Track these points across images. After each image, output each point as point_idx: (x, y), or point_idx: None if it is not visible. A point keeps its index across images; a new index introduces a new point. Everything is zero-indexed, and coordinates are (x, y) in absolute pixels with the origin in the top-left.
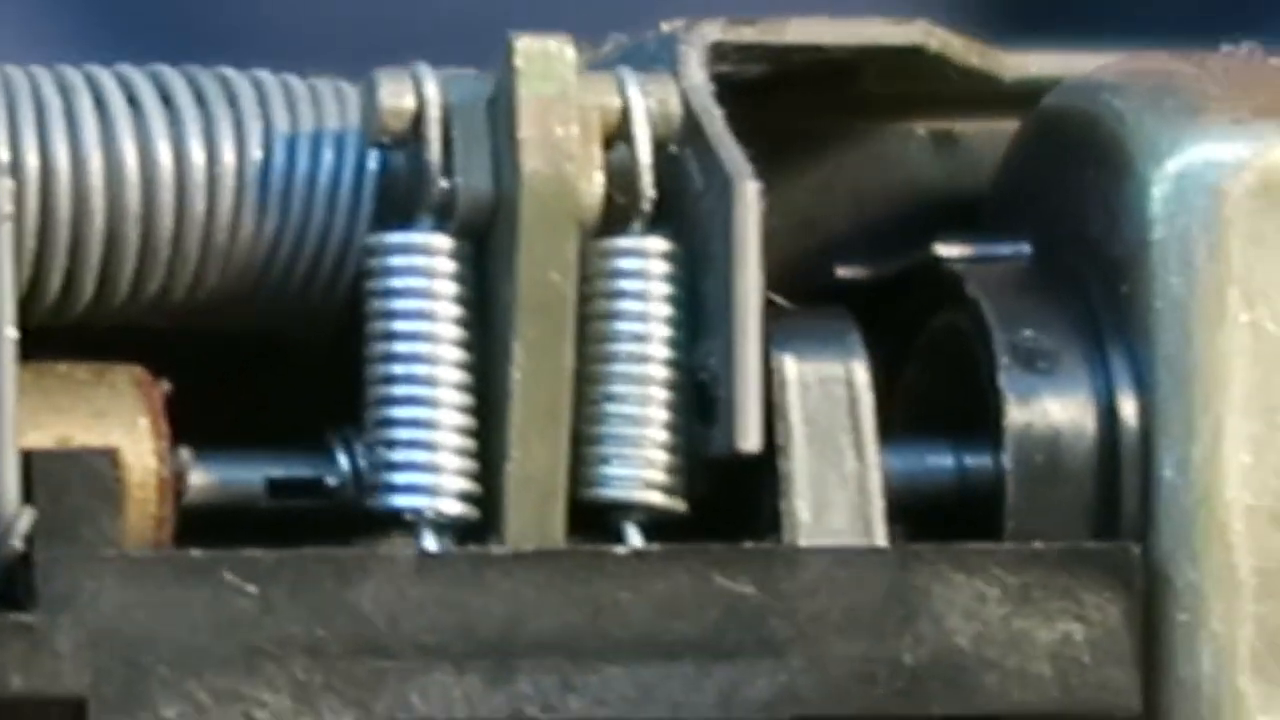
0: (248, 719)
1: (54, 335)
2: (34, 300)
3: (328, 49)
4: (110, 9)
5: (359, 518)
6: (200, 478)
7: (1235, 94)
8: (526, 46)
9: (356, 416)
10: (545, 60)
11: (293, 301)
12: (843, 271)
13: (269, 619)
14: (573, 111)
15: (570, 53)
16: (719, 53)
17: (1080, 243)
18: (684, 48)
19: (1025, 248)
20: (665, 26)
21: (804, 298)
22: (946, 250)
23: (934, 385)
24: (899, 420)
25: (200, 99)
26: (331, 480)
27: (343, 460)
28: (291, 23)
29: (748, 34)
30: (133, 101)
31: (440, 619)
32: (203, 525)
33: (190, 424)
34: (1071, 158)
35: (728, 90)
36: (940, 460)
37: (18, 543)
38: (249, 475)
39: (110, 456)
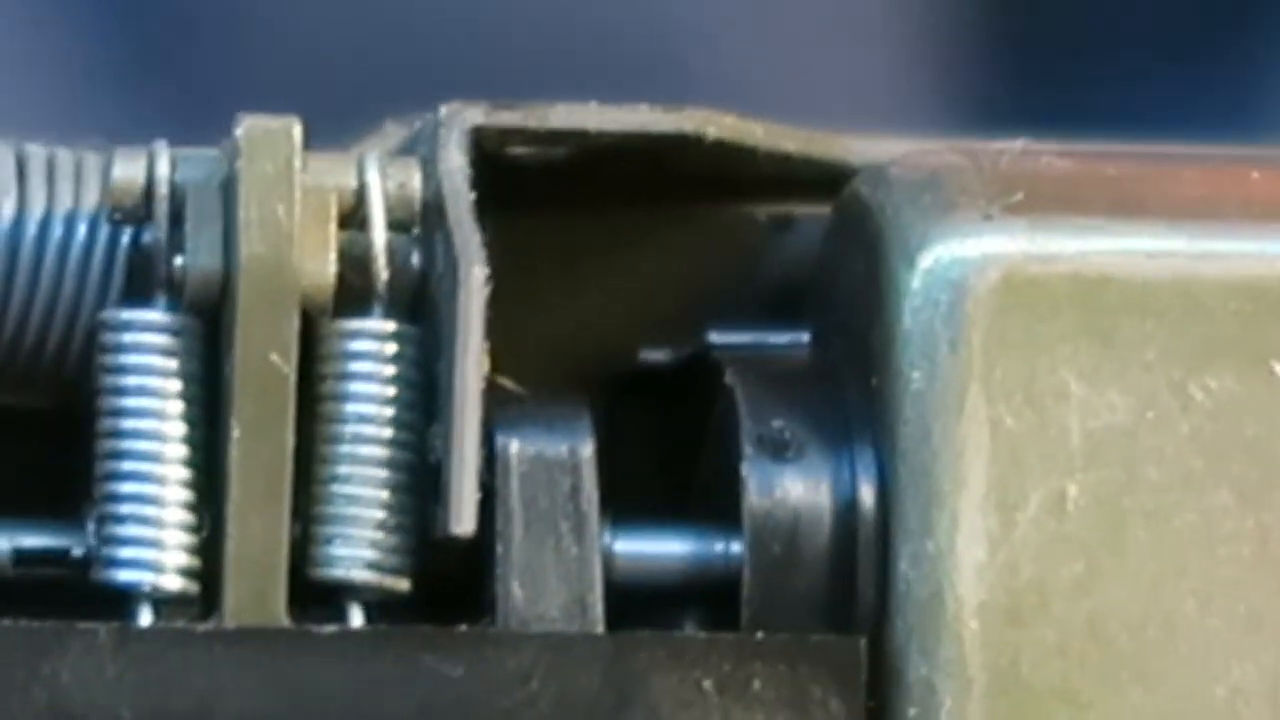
0: None
1: None
2: None
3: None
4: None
5: (101, 594)
6: None
7: (994, 190)
8: (250, 126)
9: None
10: (269, 140)
11: (47, 375)
12: (645, 354)
13: None
14: (296, 193)
15: (297, 132)
16: (482, 136)
17: (847, 334)
18: (444, 131)
19: (804, 336)
20: (444, 109)
21: (616, 386)
22: (720, 338)
23: (716, 473)
24: (696, 506)
25: None
26: (78, 551)
27: (92, 531)
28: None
29: (509, 118)
30: None
31: (139, 696)
32: None
33: None
34: (850, 247)
35: (542, 172)
36: (708, 547)
37: None
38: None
39: None
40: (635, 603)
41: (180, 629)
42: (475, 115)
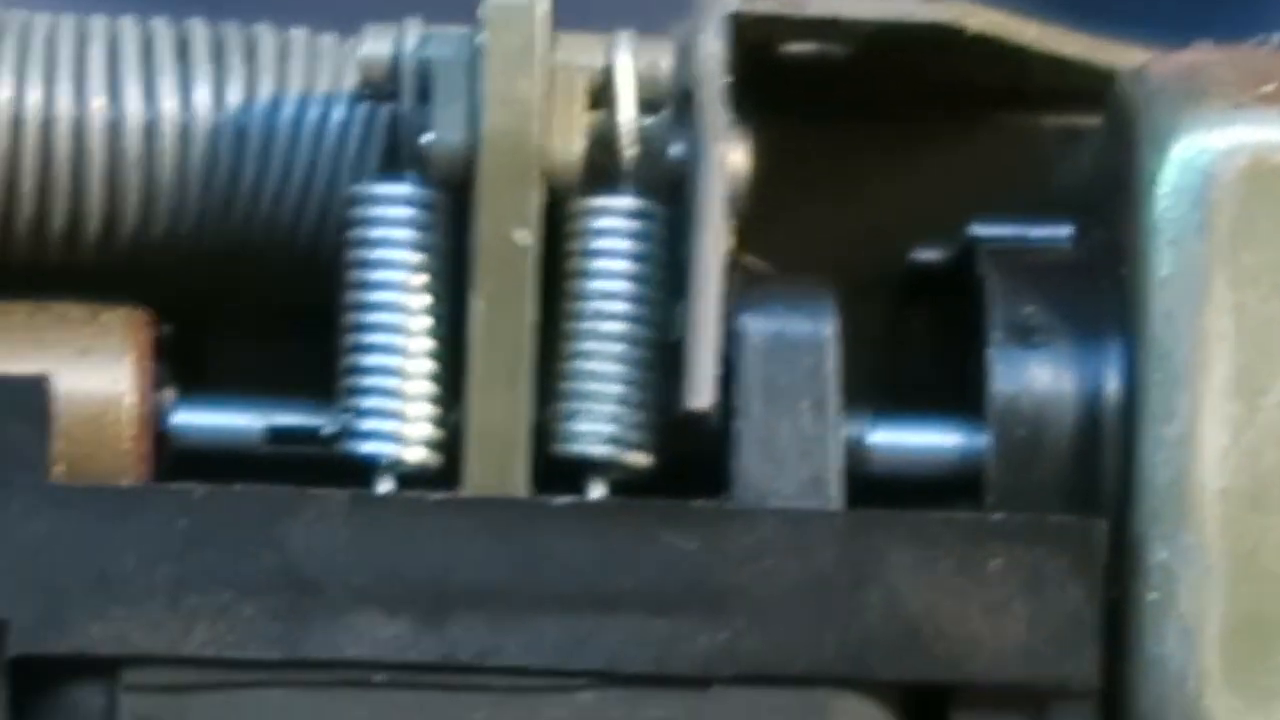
0: (172, 649)
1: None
2: (40, 238)
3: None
4: None
5: (350, 469)
6: (200, 421)
7: (1247, 81)
8: (499, 5)
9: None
10: (515, 17)
11: (303, 252)
12: (914, 254)
13: (195, 551)
14: (539, 69)
15: (542, 10)
16: (739, 23)
17: (1103, 227)
18: (702, 16)
19: (1063, 230)
20: None
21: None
22: (982, 231)
23: (974, 364)
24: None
25: (218, 51)
26: (329, 429)
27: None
28: None
29: (764, 5)
30: (148, 52)
31: (371, 561)
32: (203, 467)
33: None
34: (1113, 144)
35: (819, 75)
36: (942, 437)
37: None
38: (250, 422)
39: (41, 384)
40: (892, 492)
41: (415, 497)
42: (732, 1)
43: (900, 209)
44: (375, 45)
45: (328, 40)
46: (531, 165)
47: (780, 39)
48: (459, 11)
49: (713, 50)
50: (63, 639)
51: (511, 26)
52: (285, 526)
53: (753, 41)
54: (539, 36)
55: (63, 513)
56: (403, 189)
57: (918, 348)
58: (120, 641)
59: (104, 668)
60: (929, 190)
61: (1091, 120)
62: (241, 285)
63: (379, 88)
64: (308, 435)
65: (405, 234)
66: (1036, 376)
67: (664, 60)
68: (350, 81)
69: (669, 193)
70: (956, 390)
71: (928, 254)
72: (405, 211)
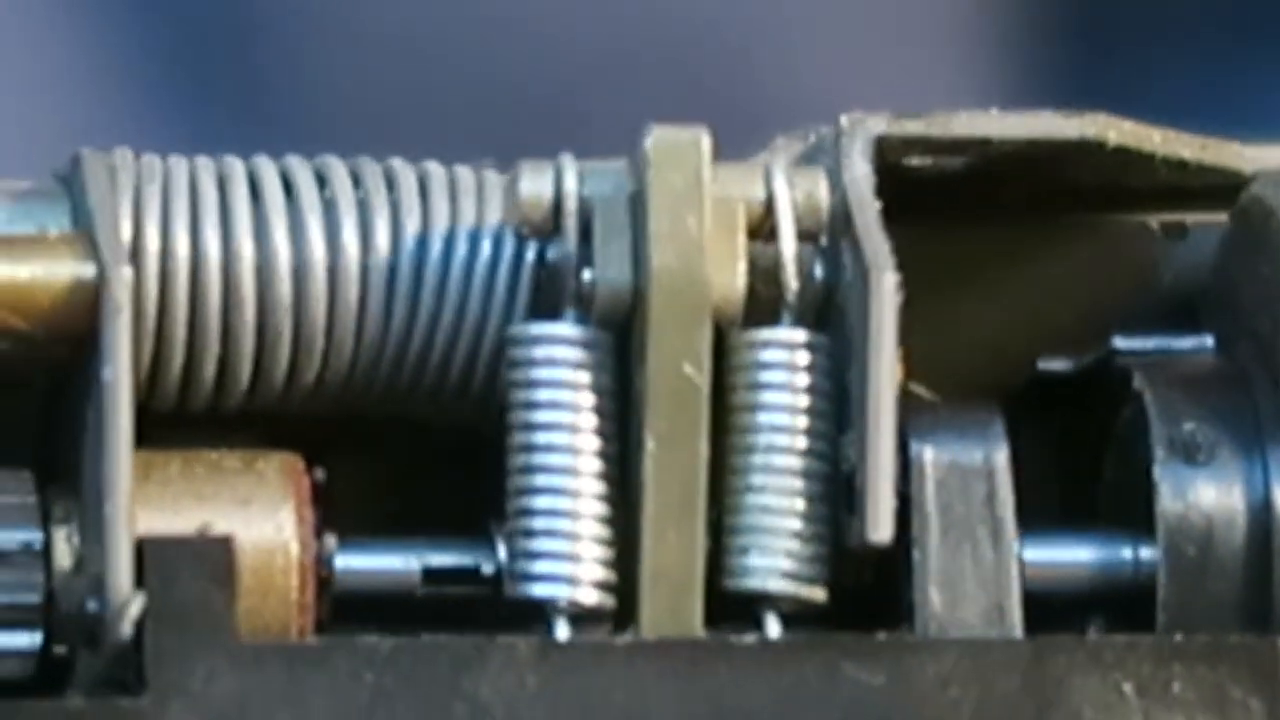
0: None
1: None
2: (190, 388)
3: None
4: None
5: (512, 609)
6: (354, 564)
7: None
8: (659, 137)
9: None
10: (678, 152)
11: (452, 394)
12: (1043, 365)
13: (383, 708)
14: (706, 204)
15: (705, 144)
16: (886, 145)
17: (1253, 338)
18: (846, 140)
19: (1207, 340)
20: (845, 119)
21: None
22: (1124, 344)
23: (1124, 478)
24: (1102, 513)
25: (357, 187)
26: (487, 569)
27: (501, 549)
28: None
29: (912, 127)
30: (289, 192)
31: (560, 709)
32: (359, 613)
33: (352, 511)
34: (1254, 251)
35: (937, 181)
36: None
37: (127, 628)
38: (406, 563)
39: (224, 543)
40: (1041, 611)
41: (601, 642)
42: (879, 124)
43: (1013, 317)
44: (535, 183)
45: (465, 174)
46: (701, 302)
47: (913, 155)
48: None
49: (862, 174)
50: None
51: (677, 163)
52: (474, 676)
53: (884, 160)
54: (704, 172)
55: (251, 673)
56: (569, 329)
57: (1033, 461)
58: None
59: None
60: (1040, 296)
61: (1200, 217)
62: (383, 424)
63: (538, 226)
64: (465, 576)
65: (571, 374)
66: (1203, 493)
67: (819, 188)
68: (491, 217)
69: (825, 322)
70: (1071, 506)
71: (1055, 365)
72: (571, 352)
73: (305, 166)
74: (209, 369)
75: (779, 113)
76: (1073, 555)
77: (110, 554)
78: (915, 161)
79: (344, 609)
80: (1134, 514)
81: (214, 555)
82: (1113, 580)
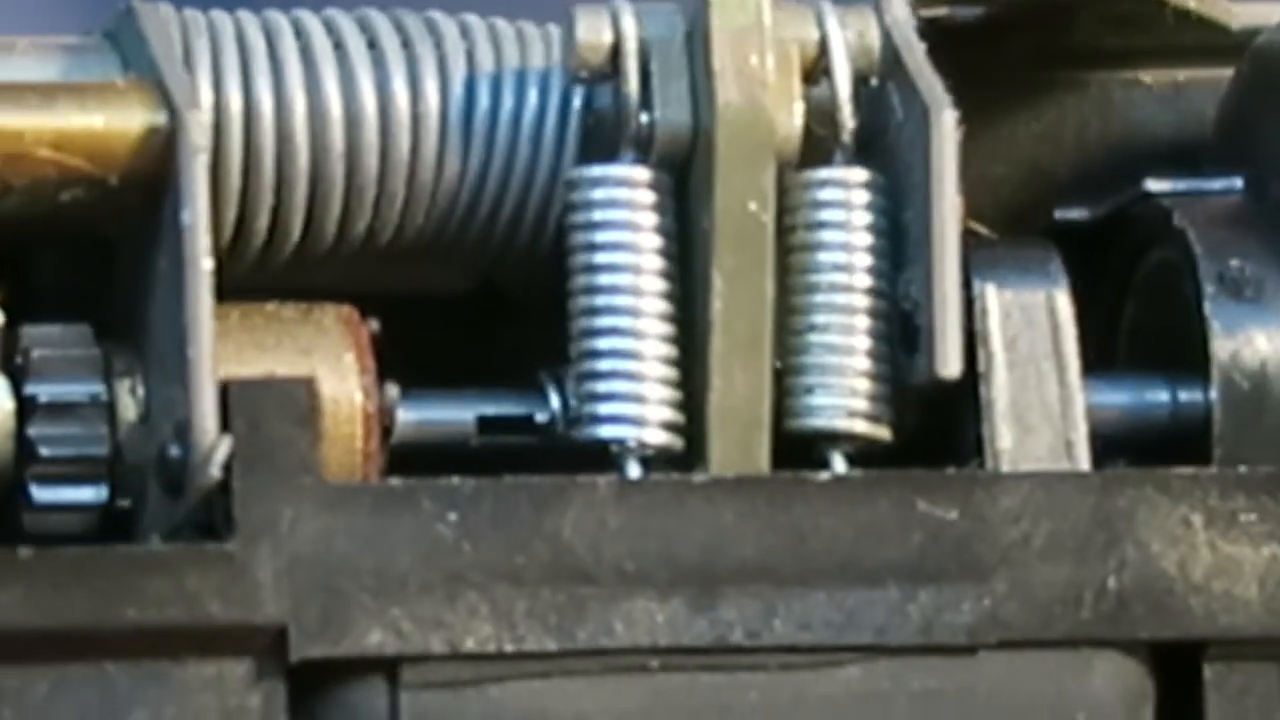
0: (450, 646)
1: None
2: (242, 240)
3: None
4: None
5: (566, 456)
6: (410, 416)
7: None
8: None
9: (567, 356)
10: None
11: (500, 244)
12: (1060, 214)
13: (468, 546)
14: (768, 43)
15: None
16: None
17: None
18: None
19: (1237, 182)
20: None
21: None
22: (1157, 185)
23: (1151, 321)
24: (1122, 356)
25: (404, 41)
26: (541, 417)
27: (553, 397)
28: None
29: None
30: (338, 44)
31: (642, 546)
32: (412, 464)
33: (402, 365)
34: (1274, 96)
35: (946, 34)
36: (1155, 394)
37: (216, 471)
38: (459, 414)
39: (307, 385)
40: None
41: (679, 480)
42: None
43: (1017, 170)
44: (592, 26)
45: (503, 24)
46: (766, 140)
47: (941, 3)
48: None
49: (903, 16)
50: (343, 641)
51: (740, 3)
52: (555, 515)
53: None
54: (765, 12)
55: (338, 514)
56: (631, 170)
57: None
58: (399, 640)
59: (384, 667)
60: (1042, 150)
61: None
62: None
63: (597, 70)
64: (520, 424)
65: (633, 215)
66: (1254, 328)
67: (871, 29)
68: (534, 65)
69: (881, 162)
70: (1086, 353)
71: (1074, 213)
72: (632, 193)
73: (350, 19)
74: (263, 219)
75: None
76: (1108, 398)
77: (195, 398)
78: (931, 12)
79: (399, 460)
80: (1163, 357)
81: (298, 398)
82: (1149, 422)
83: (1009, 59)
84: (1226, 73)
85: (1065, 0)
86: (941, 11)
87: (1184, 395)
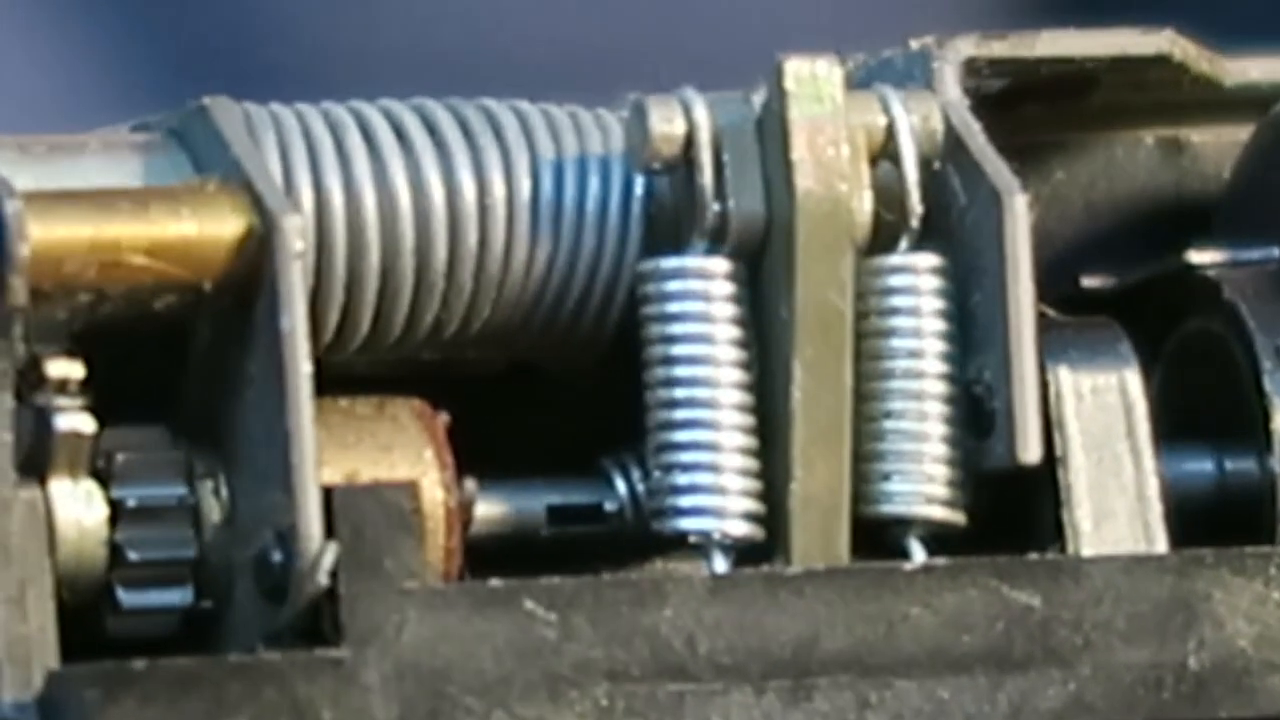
0: None
1: (328, 374)
2: (312, 336)
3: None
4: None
5: (635, 544)
6: (481, 507)
7: None
8: (796, 68)
9: (629, 442)
10: (815, 82)
11: (562, 332)
12: (1088, 281)
13: (570, 645)
14: (843, 132)
15: (839, 73)
16: (971, 68)
17: None
18: (939, 64)
19: (1275, 251)
20: (914, 43)
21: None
22: (1199, 257)
23: (1188, 390)
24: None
25: (465, 131)
26: (610, 506)
27: (620, 486)
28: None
29: (999, 48)
30: (400, 136)
31: (737, 640)
32: (484, 555)
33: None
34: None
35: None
36: (1201, 464)
37: (323, 578)
38: (528, 504)
39: (410, 490)
40: None
41: (770, 573)
42: (967, 46)
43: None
44: (665, 117)
45: (558, 111)
46: (844, 230)
47: (997, 76)
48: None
49: (956, 97)
50: None
51: (814, 91)
52: (652, 612)
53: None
54: (840, 100)
55: (444, 616)
56: (707, 261)
57: None
58: None
59: None
60: (1058, 213)
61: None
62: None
63: (670, 160)
64: (589, 514)
65: (709, 307)
66: None
67: (934, 113)
68: (593, 152)
69: (942, 244)
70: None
71: (1098, 280)
72: (708, 285)
73: (408, 109)
74: (333, 316)
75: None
76: (1186, 469)
77: (300, 504)
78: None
79: (469, 552)
80: (1199, 427)
81: (401, 502)
82: (1194, 493)
83: (1019, 124)
84: (1224, 129)
85: (1090, 69)
86: (970, 84)
87: (1231, 465)
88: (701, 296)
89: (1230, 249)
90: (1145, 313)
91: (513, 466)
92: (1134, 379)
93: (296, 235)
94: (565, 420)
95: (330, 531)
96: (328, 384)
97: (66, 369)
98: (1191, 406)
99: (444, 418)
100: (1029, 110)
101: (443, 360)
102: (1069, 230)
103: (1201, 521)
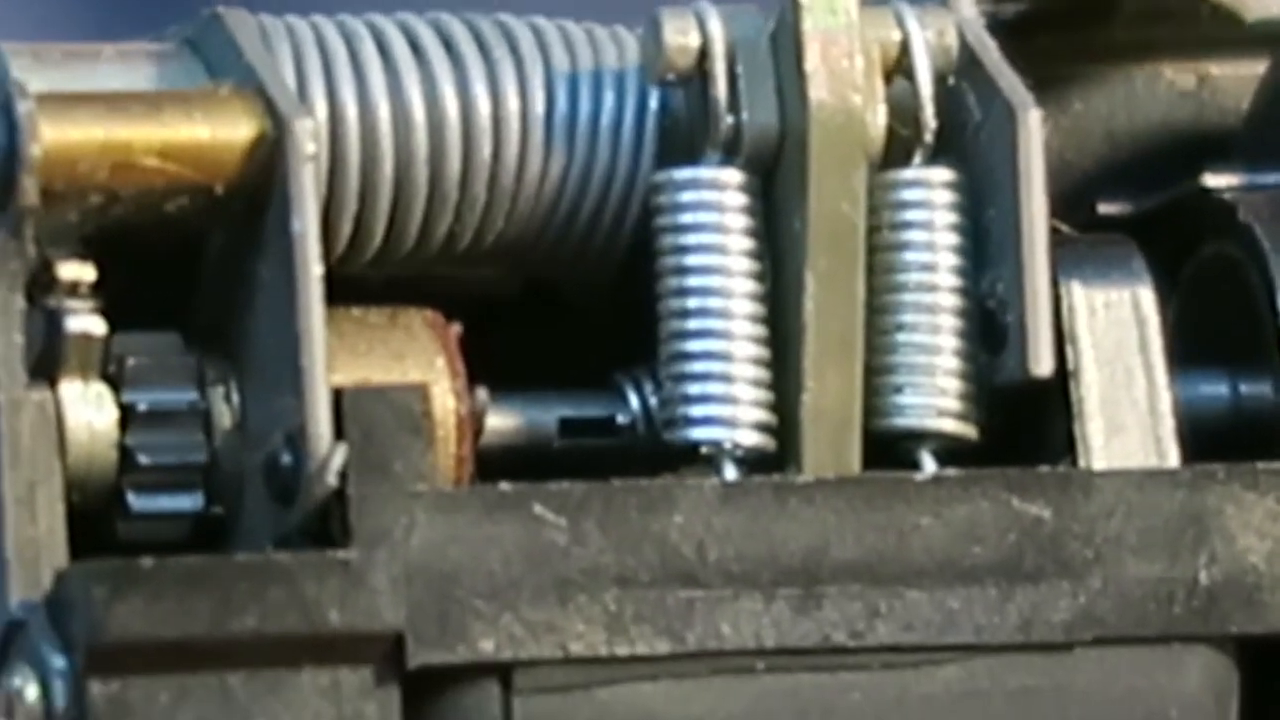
0: (562, 650)
1: (344, 285)
2: (324, 246)
3: None
4: None
5: (647, 455)
6: (493, 419)
7: None
8: None
9: (642, 359)
10: None
11: (577, 245)
12: (1104, 208)
13: (580, 550)
14: (857, 44)
15: None
16: None
17: None
18: None
19: None
20: None
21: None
22: (1214, 180)
23: (1204, 314)
24: (1171, 351)
25: (481, 45)
26: (622, 418)
27: (633, 399)
28: None
29: None
30: (416, 49)
31: (747, 548)
32: (496, 466)
33: (477, 368)
34: None
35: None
36: (1216, 388)
37: (332, 479)
38: (541, 416)
39: (419, 392)
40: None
41: (781, 481)
42: None
43: (1054, 164)
44: (679, 30)
45: (573, 26)
46: (858, 142)
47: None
48: None
49: (971, 15)
50: (458, 647)
51: (829, 5)
52: (662, 518)
53: None
54: (855, 13)
55: (452, 519)
56: (721, 173)
57: None
58: (513, 646)
59: (497, 673)
60: (1072, 143)
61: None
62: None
63: (684, 72)
64: (601, 426)
65: (722, 218)
66: None
67: (949, 29)
68: (608, 66)
69: (957, 160)
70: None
71: (1115, 206)
72: (721, 195)
73: (425, 23)
74: (346, 225)
75: None
76: (1202, 391)
77: (309, 407)
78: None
79: (482, 463)
80: (1217, 351)
81: (410, 405)
82: (1208, 415)
83: (1038, 55)
84: (1244, 64)
85: None
86: (987, 7)
87: (1246, 388)
88: (715, 207)
89: (1247, 172)
90: (1162, 238)
91: (527, 381)
92: (1147, 295)
93: (308, 138)
94: (579, 335)
95: (340, 433)
96: (341, 296)
97: (78, 271)
98: (1208, 331)
99: (456, 328)
100: (1046, 41)
101: (457, 279)
102: (1087, 161)
103: (1217, 444)
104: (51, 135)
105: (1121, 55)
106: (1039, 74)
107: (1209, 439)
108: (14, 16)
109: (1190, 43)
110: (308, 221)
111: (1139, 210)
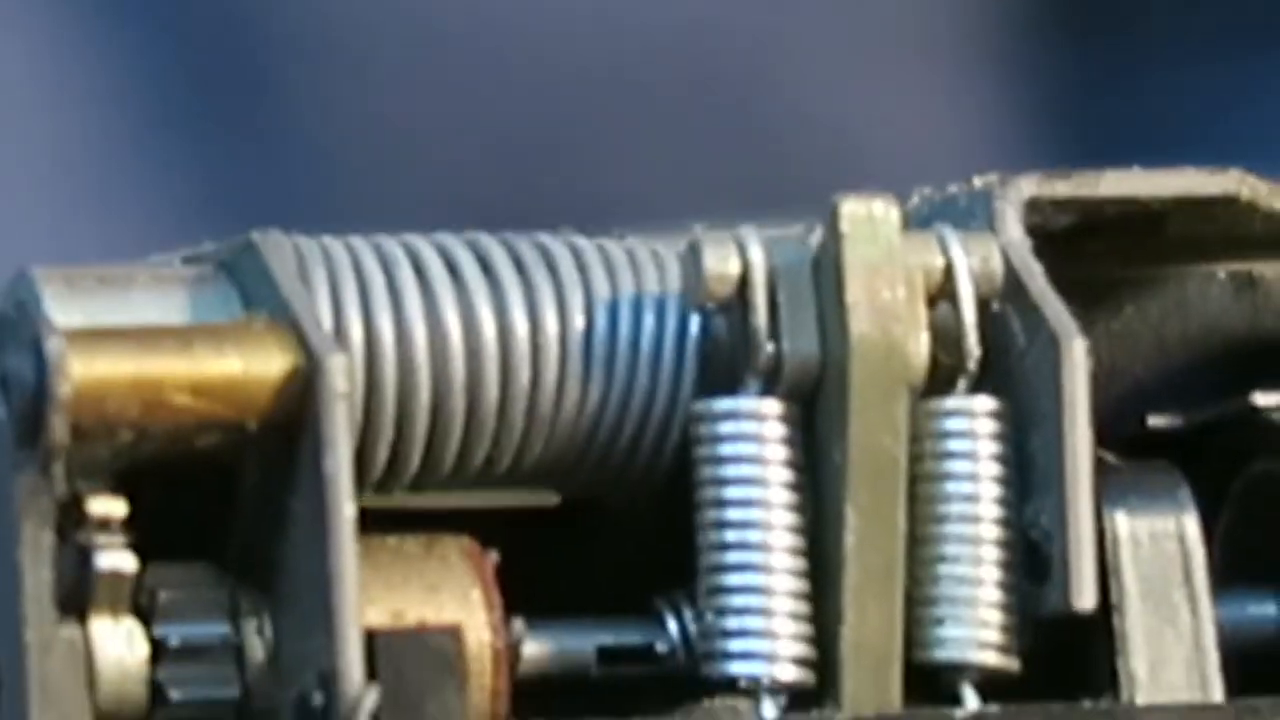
0: None
1: (377, 511)
2: (360, 474)
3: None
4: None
5: (687, 685)
6: (530, 647)
7: None
8: (852, 210)
9: (682, 582)
10: (871, 223)
11: (616, 470)
12: (1154, 421)
13: None
14: (899, 274)
15: (895, 215)
16: (1034, 207)
17: None
18: (1000, 204)
19: None
20: (978, 181)
21: (1112, 448)
22: (1265, 399)
23: (1252, 533)
24: (1217, 569)
25: (519, 266)
26: (662, 647)
27: (672, 627)
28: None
29: (1062, 189)
30: (452, 271)
31: None
32: (533, 693)
33: (513, 595)
34: None
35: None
36: (1264, 608)
37: None
38: (578, 644)
39: (453, 634)
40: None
41: (822, 718)
42: (1029, 186)
43: (1105, 372)
44: (720, 256)
45: (614, 247)
46: (899, 374)
47: (1061, 216)
48: None
49: (1018, 238)
50: None
51: (870, 233)
52: None
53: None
54: (897, 243)
55: None
56: (760, 403)
57: None
58: None
59: None
60: (1128, 349)
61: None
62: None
63: (724, 299)
64: (641, 655)
65: (762, 449)
66: None
67: (994, 255)
68: (649, 289)
69: (999, 386)
70: None
71: (1164, 419)
72: (761, 426)
73: (461, 243)
74: (382, 453)
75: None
76: (1249, 613)
77: (340, 647)
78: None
79: (518, 691)
80: (1264, 570)
81: (444, 647)
82: (1253, 637)
83: (1090, 262)
84: None
85: (1157, 206)
86: (1037, 219)
87: None
88: (754, 439)
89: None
90: (1211, 454)
91: (564, 603)
92: (1192, 525)
93: (341, 375)
94: (618, 557)
95: (372, 675)
96: (377, 518)
97: (108, 507)
98: (1255, 550)
99: (493, 557)
100: (1096, 247)
101: (494, 497)
102: (1139, 367)
103: (1265, 667)
104: (81, 372)
105: (1172, 257)
106: (1089, 278)
107: (1257, 660)
108: (49, 129)
109: (1242, 244)
110: (340, 461)
111: (1187, 425)
